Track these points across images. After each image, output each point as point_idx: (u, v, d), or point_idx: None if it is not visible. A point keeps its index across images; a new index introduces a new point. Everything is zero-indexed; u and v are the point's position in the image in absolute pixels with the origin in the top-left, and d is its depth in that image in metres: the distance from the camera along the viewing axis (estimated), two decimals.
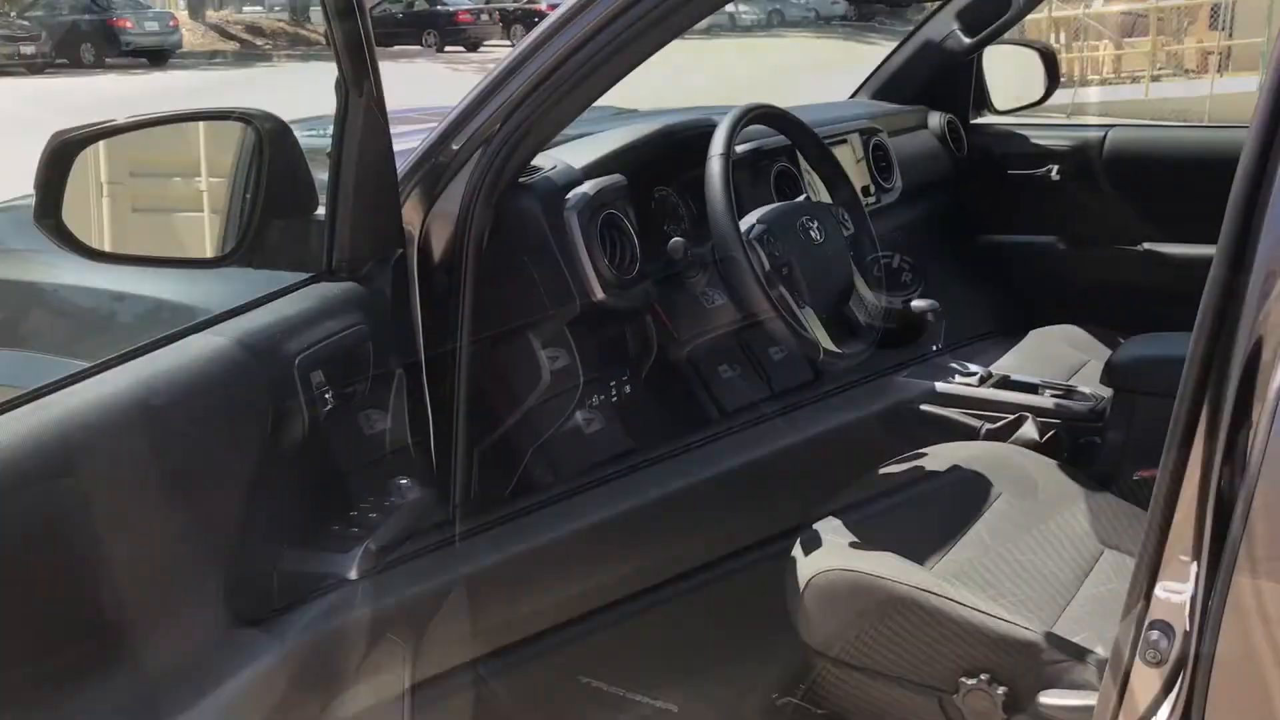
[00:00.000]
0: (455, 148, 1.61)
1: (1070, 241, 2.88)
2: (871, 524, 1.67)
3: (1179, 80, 17.23)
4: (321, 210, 1.48)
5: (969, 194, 2.97)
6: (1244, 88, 15.02)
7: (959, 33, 2.78)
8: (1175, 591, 1.04)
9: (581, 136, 2.02)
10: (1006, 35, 2.90)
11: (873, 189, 2.49)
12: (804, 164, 2.19)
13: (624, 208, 1.79)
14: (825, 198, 2.16)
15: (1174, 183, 2.73)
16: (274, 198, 1.46)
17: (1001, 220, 2.97)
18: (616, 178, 1.76)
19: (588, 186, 1.70)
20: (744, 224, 1.81)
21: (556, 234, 1.65)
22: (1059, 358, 2.46)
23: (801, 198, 2.03)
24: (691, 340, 1.89)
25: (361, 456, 1.44)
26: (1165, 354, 1.93)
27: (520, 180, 1.69)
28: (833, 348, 1.80)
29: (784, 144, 2.16)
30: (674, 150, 2.01)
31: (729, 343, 1.90)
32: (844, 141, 2.44)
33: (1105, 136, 2.81)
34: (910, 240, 2.64)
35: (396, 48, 21.78)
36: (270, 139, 1.44)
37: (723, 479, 2.40)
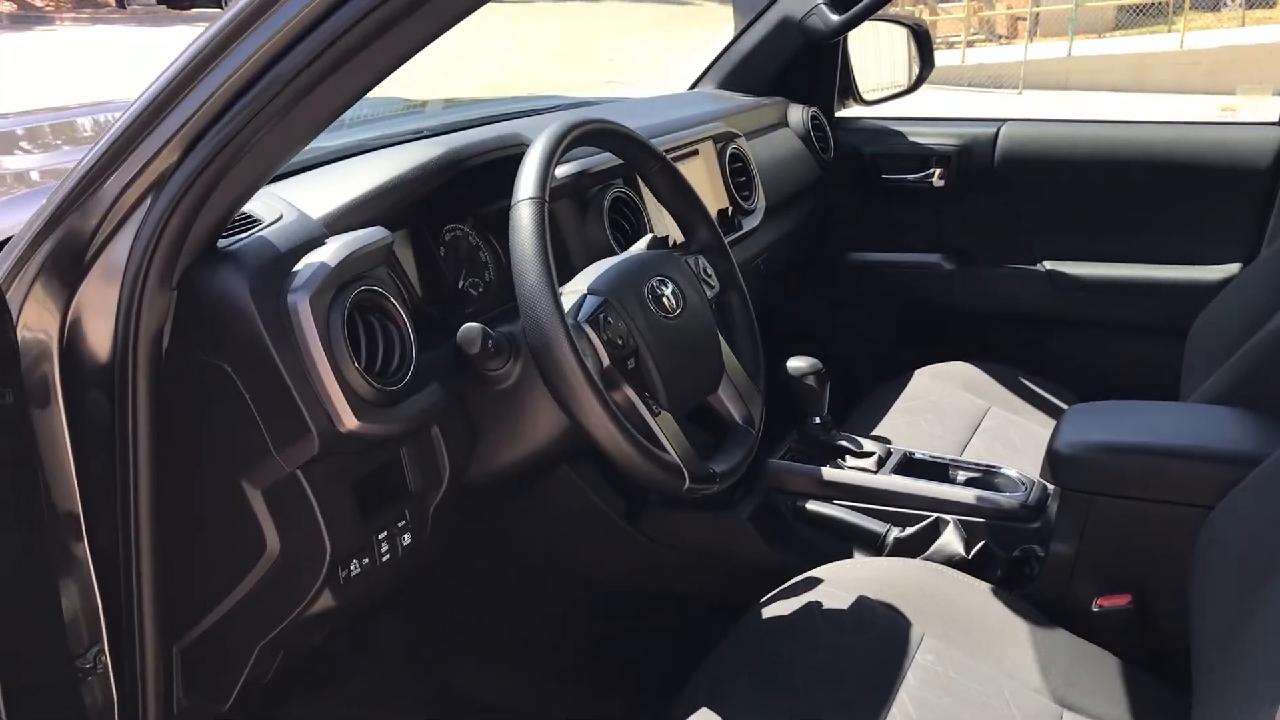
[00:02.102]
0: (108, 198, 1.01)
1: (958, 260, 2.42)
2: (766, 708, 1.19)
3: (992, 46, 17.55)
4: None
5: (837, 204, 2.48)
6: (1053, 53, 15.36)
7: (825, 9, 2.27)
8: None
9: (333, 161, 1.43)
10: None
11: (731, 212, 1.95)
12: (645, 189, 1.65)
13: (389, 279, 1.21)
14: (674, 231, 1.63)
15: (1079, 190, 2.30)
16: None
17: (875, 235, 2.49)
18: (375, 234, 1.17)
19: (328, 252, 1.11)
20: (571, 295, 1.26)
21: (275, 331, 1.06)
22: (954, 407, 2.01)
23: (644, 239, 1.48)
24: (499, 459, 1.32)
25: None
26: (1126, 441, 1.48)
27: (219, 244, 1.09)
28: (702, 469, 1.27)
29: (618, 162, 1.60)
30: (470, 179, 1.44)
31: (553, 453, 1.36)
32: (694, 153, 1.90)
33: (997, 134, 2.35)
34: (771, 268, 2.14)
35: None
36: None
37: (549, 640, 1.87)
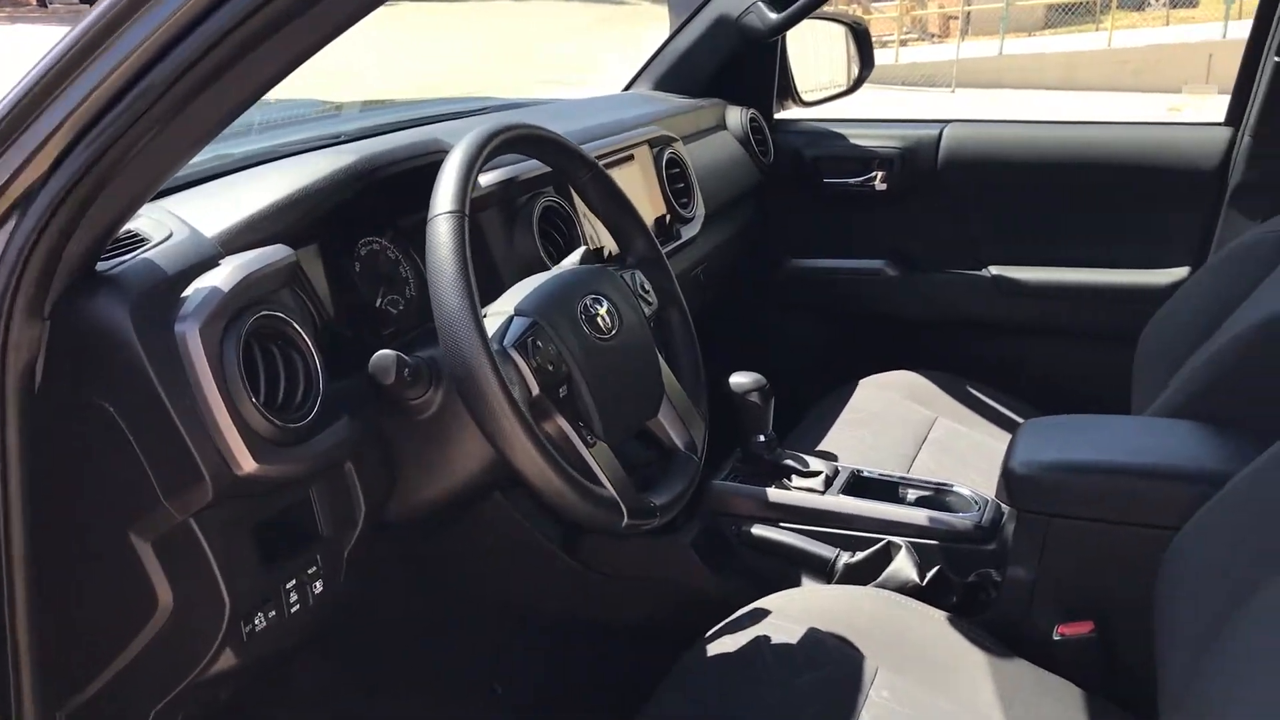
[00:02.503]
0: None
1: (901, 266, 2.35)
2: None
3: (925, 44, 17.70)
4: None
5: (777, 209, 2.40)
6: (985, 52, 15.52)
7: (762, 7, 2.19)
8: None
9: (235, 171, 1.31)
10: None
11: (669, 220, 1.86)
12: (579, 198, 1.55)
13: (294, 302, 1.10)
14: (610, 242, 1.54)
15: (1025, 192, 2.25)
16: None
17: (817, 240, 2.42)
18: (276, 254, 1.06)
19: (222, 275, 1.00)
20: (496, 317, 1.16)
21: (161, 365, 0.95)
22: (900, 418, 1.94)
23: (577, 253, 1.38)
24: (422, 494, 1.22)
25: None
26: (1085, 459, 1.41)
27: (98, 267, 0.98)
28: (640, 503, 1.18)
29: (548, 169, 1.51)
30: (387, 189, 1.33)
31: (482, 485, 1.25)
32: (629, 158, 1.81)
33: (941, 134, 2.29)
34: (710, 277, 2.06)
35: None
36: None
37: (481, 672, 1.76)
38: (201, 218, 1.10)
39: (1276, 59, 1.96)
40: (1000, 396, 2.07)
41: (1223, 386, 1.50)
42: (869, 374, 2.10)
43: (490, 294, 1.20)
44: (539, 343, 1.14)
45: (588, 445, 1.14)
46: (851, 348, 2.39)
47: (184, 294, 0.98)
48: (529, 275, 1.29)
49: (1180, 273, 2.13)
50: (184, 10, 0.83)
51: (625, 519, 1.14)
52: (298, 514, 1.12)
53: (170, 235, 1.05)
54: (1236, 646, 0.97)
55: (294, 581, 1.11)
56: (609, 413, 1.18)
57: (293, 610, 1.10)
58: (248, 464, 0.97)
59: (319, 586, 1.13)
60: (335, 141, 1.52)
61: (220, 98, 0.87)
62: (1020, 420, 2.02)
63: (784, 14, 2.18)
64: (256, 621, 1.06)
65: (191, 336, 0.95)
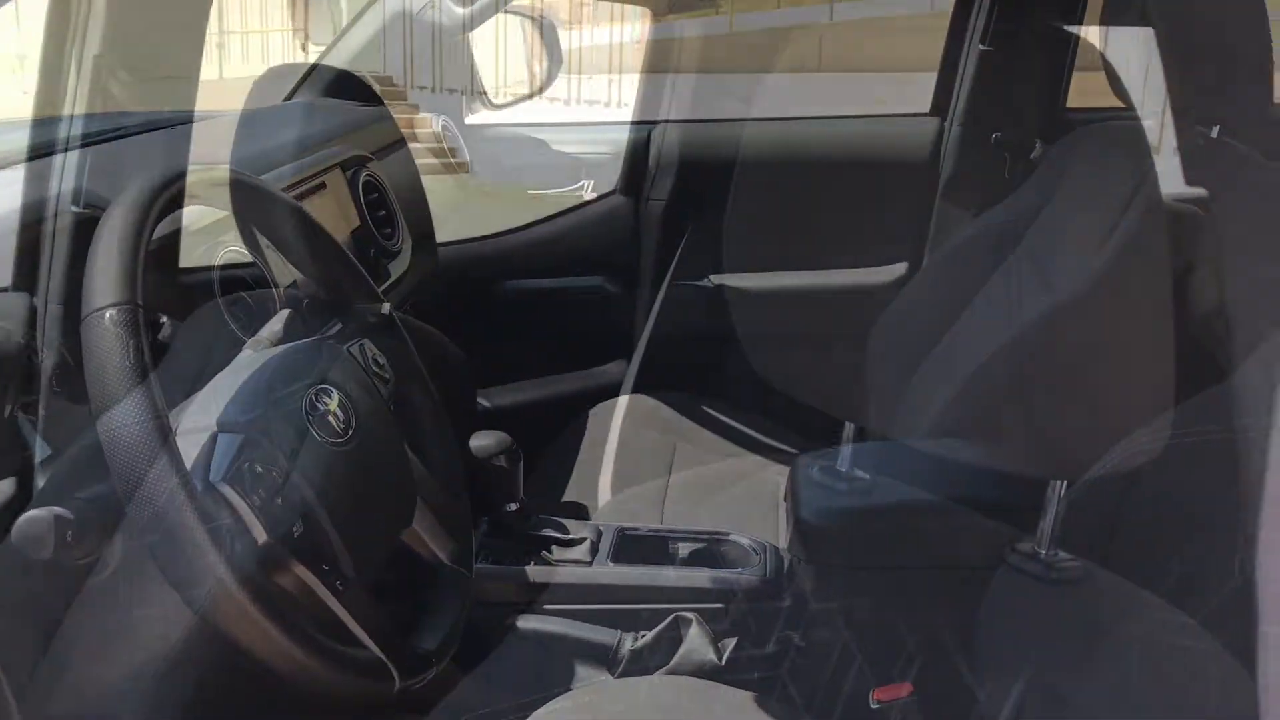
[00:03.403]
0: None
1: (619, 281, 2.18)
2: None
3: (559, 33, 17.87)
4: None
5: (483, 227, 2.15)
6: (622, 38, 15.84)
7: (448, 0, 1.93)
8: None
9: None
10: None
11: (374, 254, 1.57)
12: (265, 242, 1.24)
13: None
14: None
15: (742, 194, 2.13)
16: None
17: (529, 259, 2.19)
18: None
19: None
20: (191, 439, 0.85)
21: None
22: (641, 451, 1.80)
23: (279, 318, 1.08)
24: (103, 675, 0.89)
25: None
26: (885, 501, 1.29)
27: None
28: (410, 655, 0.91)
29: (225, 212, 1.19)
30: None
31: (186, 649, 0.94)
32: (321, 187, 1.49)
33: (649, 136, 2.13)
34: (421, 313, 1.79)
35: None
36: None
37: None
38: None
39: (982, 46, 1.95)
40: (732, 412, 1.96)
41: (997, 402, 1.43)
42: (598, 401, 1.93)
43: (170, 394, 0.89)
44: (257, 468, 0.84)
45: (338, 594, 0.86)
46: (577, 374, 2.19)
47: None
48: (218, 359, 0.98)
49: (899, 269, 2.10)
50: None
51: (398, 682, 0.87)
52: None
53: None
54: (1106, 688, 0.88)
55: None
56: (358, 542, 0.91)
57: None
58: None
59: None
60: None
61: None
62: (759, 436, 1.91)
63: (472, 8, 1.93)
64: None
65: None
